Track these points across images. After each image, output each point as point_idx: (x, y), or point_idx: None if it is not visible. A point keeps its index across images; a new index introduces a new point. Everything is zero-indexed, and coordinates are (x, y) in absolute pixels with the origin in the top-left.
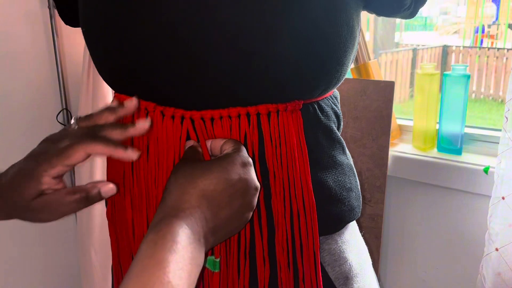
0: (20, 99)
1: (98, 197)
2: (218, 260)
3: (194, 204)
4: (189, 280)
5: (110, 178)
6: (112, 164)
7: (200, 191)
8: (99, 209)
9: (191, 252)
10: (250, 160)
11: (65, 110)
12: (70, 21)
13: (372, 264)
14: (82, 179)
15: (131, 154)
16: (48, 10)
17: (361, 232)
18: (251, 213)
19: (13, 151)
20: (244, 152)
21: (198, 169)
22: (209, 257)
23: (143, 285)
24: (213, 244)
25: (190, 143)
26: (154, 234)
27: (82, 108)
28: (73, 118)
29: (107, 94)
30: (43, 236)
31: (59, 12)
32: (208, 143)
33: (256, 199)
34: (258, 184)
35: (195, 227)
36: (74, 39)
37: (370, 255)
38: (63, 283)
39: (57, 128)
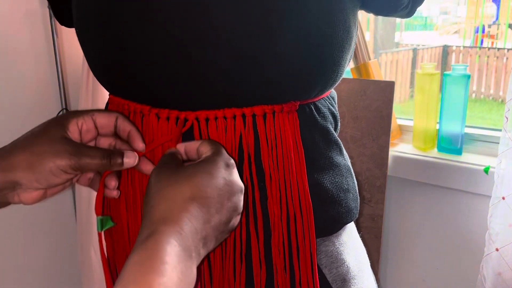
0: (20, 99)
1: (119, 164)
2: (99, 218)
3: (183, 215)
4: None
5: None
6: None
7: (189, 200)
8: None
9: (181, 271)
10: (232, 161)
11: (65, 110)
12: (66, 22)
13: (372, 264)
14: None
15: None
16: (48, 10)
17: (360, 232)
18: (239, 217)
19: None
20: (225, 153)
21: (182, 175)
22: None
23: None
24: (205, 255)
25: (172, 150)
26: (140, 254)
27: (82, 108)
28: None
29: (107, 94)
30: (43, 236)
31: (54, 13)
32: (182, 147)
33: (242, 202)
34: (242, 185)
35: (185, 242)
36: (74, 39)
37: (370, 255)
38: (63, 283)
39: None
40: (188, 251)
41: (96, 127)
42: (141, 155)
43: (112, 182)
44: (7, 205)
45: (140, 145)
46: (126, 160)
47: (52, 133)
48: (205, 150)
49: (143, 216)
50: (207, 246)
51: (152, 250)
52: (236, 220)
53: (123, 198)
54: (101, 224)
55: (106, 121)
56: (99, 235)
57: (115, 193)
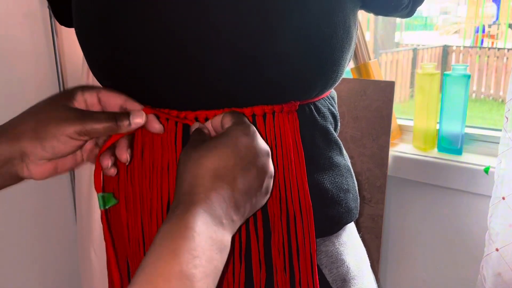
0: (20, 99)
1: (127, 125)
2: (100, 195)
3: (208, 186)
4: (209, 267)
5: (106, 180)
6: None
7: (211, 171)
8: (98, 209)
9: (210, 237)
10: (253, 127)
11: None
12: (65, 22)
13: (372, 264)
14: (82, 181)
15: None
16: (48, 10)
17: (360, 232)
18: (271, 180)
19: None
20: (244, 122)
21: (203, 149)
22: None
23: (154, 276)
24: (241, 221)
25: (196, 125)
26: (168, 223)
27: None
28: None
29: None
30: (43, 236)
31: (53, 13)
32: (209, 124)
33: (270, 164)
34: (267, 148)
35: (214, 210)
36: (74, 39)
37: (370, 255)
38: (63, 283)
39: None
40: (217, 219)
41: (100, 105)
42: (148, 113)
43: (105, 161)
44: (19, 180)
45: (156, 126)
46: (134, 120)
47: (58, 102)
48: (226, 122)
49: (175, 190)
50: (240, 211)
51: (180, 219)
52: (269, 183)
53: (123, 198)
54: (103, 202)
55: (111, 100)
56: (102, 213)
57: (112, 171)
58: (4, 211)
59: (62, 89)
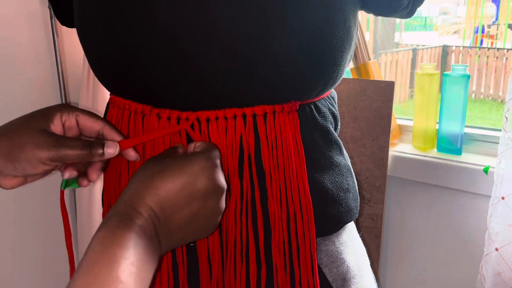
0: (20, 99)
1: (100, 155)
2: (65, 180)
3: (147, 202)
4: (140, 275)
5: (106, 180)
6: (109, 166)
7: (155, 190)
8: (99, 209)
9: (142, 248)
10: (217, 161)
11: None
12: (67, 22)
13: (372, 264)
14: None
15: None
16: (48, 10)
17: (360, 232)
18: (219, 217)
19: None
20: (212, 153)
21: (159, 166)
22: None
23: (91, 281)
24: (169, 247)
25: (179, 145)
26: (105, 230)
27: (83, 108)
28: None
29: (107, 94)
30: (43, 236)
31: (55, 13)
32: (190, 147)
33: (222, 202)
34: (222, 185)
35: (146, 226)
36: (74, 39)
37: (369, 255)
38: (63, 283)
39: None
40: (148, 234)
41: (78, 127)
42: (123, 149)
43: (67, 173)
44: None
45: (131, 154)
46: (107, 150)
47: (35, 124)
48: (197, 147)
49: (121, 193)
50: (172, 238)
51: (115, 226)
52: (216, 220)
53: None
54: (65, 183)
55: (88, 125)
56: (62, 192)
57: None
58: (4, 211)
59: (62, 89)
